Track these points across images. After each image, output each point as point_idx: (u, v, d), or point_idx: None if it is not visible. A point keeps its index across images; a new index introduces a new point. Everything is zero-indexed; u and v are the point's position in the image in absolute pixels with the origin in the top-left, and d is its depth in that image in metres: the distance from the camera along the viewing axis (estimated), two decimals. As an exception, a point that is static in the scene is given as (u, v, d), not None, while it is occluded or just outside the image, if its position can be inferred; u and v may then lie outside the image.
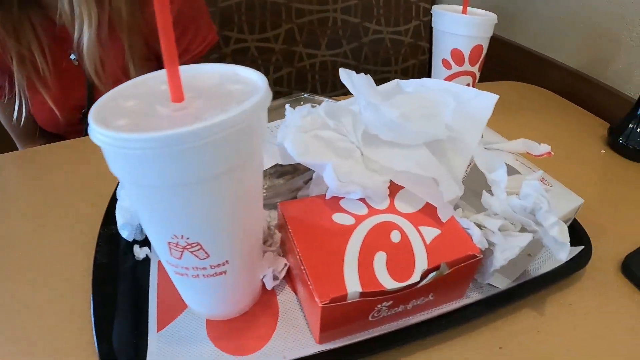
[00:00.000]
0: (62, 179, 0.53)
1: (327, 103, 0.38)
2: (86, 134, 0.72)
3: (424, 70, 1.28)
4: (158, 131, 0.20)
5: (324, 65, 1.13)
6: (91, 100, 0.69)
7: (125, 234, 0.39)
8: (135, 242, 0.40)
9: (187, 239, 0.25)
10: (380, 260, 0.30)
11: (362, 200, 0.35)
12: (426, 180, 0.35)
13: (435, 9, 0.62)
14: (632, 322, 0.37)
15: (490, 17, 0.60)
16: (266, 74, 1.07)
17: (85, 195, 0.49)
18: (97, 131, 0.21)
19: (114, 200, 0.44)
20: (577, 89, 0.82)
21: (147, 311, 0.34)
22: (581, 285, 0.40)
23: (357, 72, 0.38)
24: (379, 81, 0.41)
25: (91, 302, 0.34)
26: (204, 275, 0.28)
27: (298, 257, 0.30)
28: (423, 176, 0.35)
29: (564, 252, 0.33)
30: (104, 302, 0.34)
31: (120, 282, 0.36)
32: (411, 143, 0.37)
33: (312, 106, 0.39)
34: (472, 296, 0.36)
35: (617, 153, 0.63)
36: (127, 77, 0.63)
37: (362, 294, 0.28)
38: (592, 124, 0.72)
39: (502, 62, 0.99)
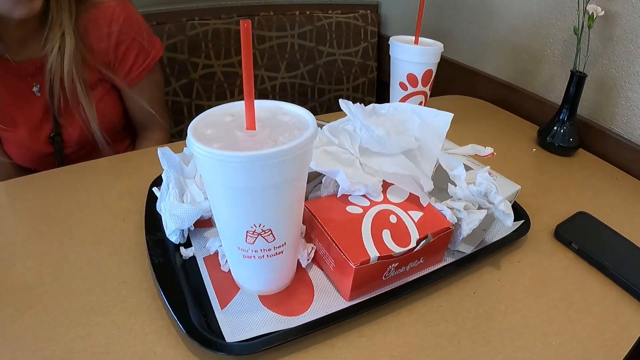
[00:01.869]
0: (82, 199, 0.62)
1: (329, 125, 0.53)
2: (58, 159, 0.83)
3: (373, 87, 1.48)
4: (254, 151, 0.34)
5: (283, 87, 1.29)
6: (58, 126, 0.79)
7: (174, 238, 0.51)
8: (180, 245, 0.52)
9: (263, 226, 0.39)
10: (386, 234, 0.46)
11: (364, 195, 0.51)
12: (409, 178, 0.51)
13: (393, 40, 0.80)
14: (563, 269, 0.55)
15: (439, 46, 0.78)
16: (231, 96, 1.22)
17: (112, 212, 0.60)
18: (203, 149, 0.34)
19: (149, 213, 0.56)
20: (507, 98, 1.04)
21: (208, 296, 0.46)
22: (525, 248, 0.58)
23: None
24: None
25: (161, 293, 0.46)
26: (268, 255, 0.41)
27: (329, 237, 0.45)
28: (407, 175, 0.51)
29: (510, 220, 0.50)
30: (171, 292, 0.46)
31: (178, 276, 0.48)
32: (392, 152, 0.53)
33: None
34: (448, 260, 0.52)
35: (546, 150, 0.84)
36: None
37: (379, 257, 0.43)
38: (523, 127, 0.94)
39: (443, 78, 1.20)
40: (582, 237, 0.59)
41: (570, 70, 0.80)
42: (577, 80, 0.80)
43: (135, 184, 0.65)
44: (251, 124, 0.38)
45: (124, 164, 0.72)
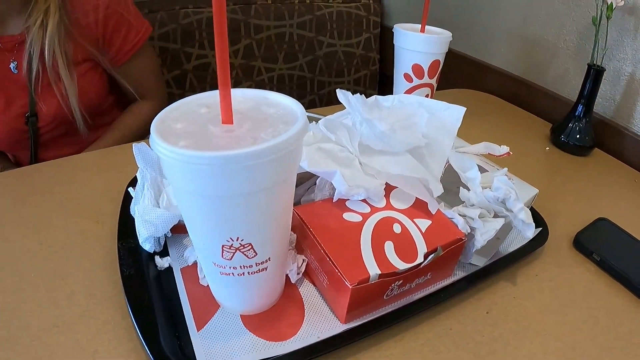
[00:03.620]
0: (55, 199, 0.56)
1: (325, 119, 0.46)
2: (32, 140, 0.78)
3: (375, 80, 1.40)
4: (228, 150, 0.27)
5: (281, 78, 1.22)
6: (33, 105, 0.75)
7: (148, 246, 0.44)
8: (155, 253, 0.45)
9: (242, 240, 0.32)
10: (389, 247, 0.38)
11: (364, 200, 0.43)
12: (416, 180, 0.44)
13: (397, 28, 0.72)
14: (584, 283, 0.48)
15: (447, 35, 0.71)
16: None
17: (86, 214, 0.53)
18: (166, 149, 0.27)
19: (124, 217, 0.49)
20: (517, 93, 0.96)
21: (183, 314, 0.39)
22: (543, 259, 0.50)
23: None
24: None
25: (129, 310, 0.39)
26: (249, 272, 0.34)
27: (322, 250, 0.38)
28: (414, 177, 0.43)
29: (530, 231, 0.43)
30: (141, 310, 0.39)
31: (150, 291, 0.41)
32: (397, 150, 0.46)
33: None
34: (459, 274, 0.45)
35: (559, 149, 0.76)
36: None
37: (380, 275, 0.36)
38: (534, 124, 0.86)
39: (449, 71, 1.12)
40: (604, 247, 0.52)
41: (587, 64, 0.73)
42: (594, 74, 0.72)
43: (113, 183, 0.58)
44: (227, 117, 0.30)
45: (102, 160, 0.65)
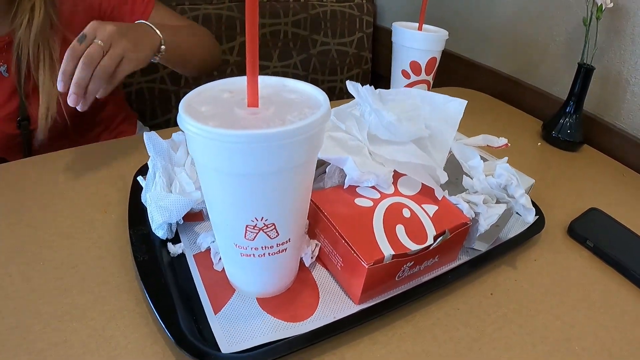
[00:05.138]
0: (60, 189, 0.56)
1: (335, 109, 0.48)
2: (25, 144, 0.75)
3: (367, 79, 1.42)
4: (260, 129, 0.28)
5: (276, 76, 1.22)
6: (24, 108, 0.72)
7: (161, 233, 0.45)
8: (167, 240, 0.46)
9: (266, 220, 0.33)
10: (400, 230, 0.40)
11: (373, 187, 0.45)
12: (423, 168, 0.46)
13: (395, 25, 0.74)
14: (580, 268, 0.51)
15: (444, 33, 0.73)
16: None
17: (92, 203, 0.53)
18: (199, 128, 0.28)
19: (133, 205, 0.50)
20: (509, 91, 0.99)
21: (199, 299, 0.40)
22: (540, 246, 0.53)
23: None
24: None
25: (147, 295, 0.40)
26: (269, 253, 0.36)
27: (337, 233, 0.39)
28: (421, 165, 0.45)
29: (531, 216, 0.45)
30: (158, 295, 0.40)
31: (165, 276, 0.42)
32: (402, 140, 0.48)
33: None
34: (463, 258, 0.47)
35: (551, 145, 0.79)
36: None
37: (394, 256, 0.38)
38: (525, 121, 0.89)
39: (442, 70, 1.15)
40: (597, 234, 0.54)
41: (578, 63, 0.76)
42: (584, 73, 0.75)
43: (118, 173, 0.59)
44: (254, 101, 0.32)
45: (106, 151, 0.65)
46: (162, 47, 0.66)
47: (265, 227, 0.34)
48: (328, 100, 0.32)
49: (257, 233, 0.34)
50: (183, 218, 0.47)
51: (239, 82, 0.35)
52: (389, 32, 0.77)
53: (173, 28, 0.73)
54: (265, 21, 1.15)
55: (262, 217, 0.33)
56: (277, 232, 0.34)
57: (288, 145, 0.29)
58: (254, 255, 0.36)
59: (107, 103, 0.87)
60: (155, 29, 0.66)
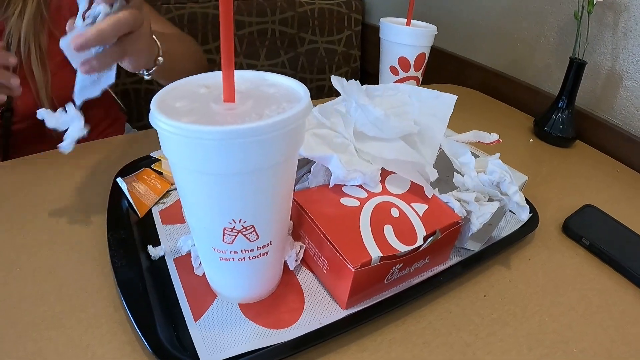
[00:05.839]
0: (38, 194, 0.54)
1: (319, 106, 0.46)
2: (4, 136, 0.72)
3: (356, 77, 1.40)
4: (235, 124, 0.26)
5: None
6: (10, 100, 0.70)
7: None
8: (147, 244, 0.44)
9: (244, 222, 0.31)
10: (389, 231, 0.39)
11: (360, 186, 0.43)
12: (412, 165, 0.44)
13: (383, 21, 0.73)
14: (576, 267, 0.49)
15: (433, 28, 0.72)
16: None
17: (73, 206, 0.51)
18: (170, 124, 0.26)
19: (113, 207, 0.48)
20: (500, 87, 0.98)
21: (179, 305, 0.38)
22: (534, 244, 0.51)
23: None
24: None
25: (123, 302, 0.38)
26: (249, 257, 0.34)
27: (322, 235, 0.37)
28: (410, 162, 0.44)
29: (525, 214, 0.44)
30: (135, 301, 0.38)
31: (144, 282, 0.40)
32: (390, 137, 0.46)
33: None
34: (455, 259, 0.46)
35: (543, 141, 0.78)
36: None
37: (382, 258, 0.36)
38: (517, 117, 0.88)
39: (432, 67, 1.14)
40: (592, 232, 0.53)
41: (570, 57, 0.75)
42: (576, 67, 0.74)
43: (98, 176, 0.57)
44: (230, 96, 0.30)
45: (86, 154, 0.63)
46: (160, 58, 0.60)
47: (244, 230, 0.32)
48: (309, 93, 0.31)
49: (235, 236, 0.32)
50: (162, 220, 0.45)
51: (214, 77, 0.33)
52: (377, 30, 0.75)
53: (164, 36, 0.67)
54: (253, 19, 1.13)
55: (240, 219, 0.31)
56: (257, 234, 0.32)
57: (265, 142, 0.27)
58: (233, 259, 0.34)
59: (92, 106, 0.84)
60: (154, 38, 0.60)
